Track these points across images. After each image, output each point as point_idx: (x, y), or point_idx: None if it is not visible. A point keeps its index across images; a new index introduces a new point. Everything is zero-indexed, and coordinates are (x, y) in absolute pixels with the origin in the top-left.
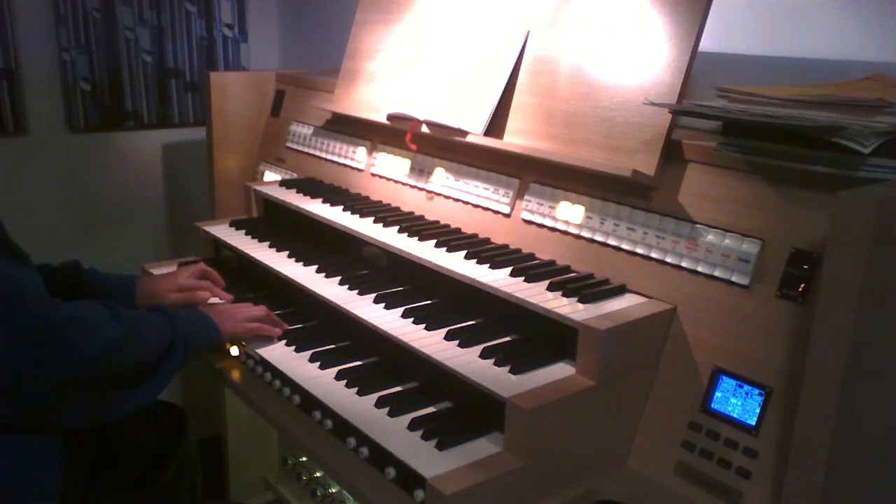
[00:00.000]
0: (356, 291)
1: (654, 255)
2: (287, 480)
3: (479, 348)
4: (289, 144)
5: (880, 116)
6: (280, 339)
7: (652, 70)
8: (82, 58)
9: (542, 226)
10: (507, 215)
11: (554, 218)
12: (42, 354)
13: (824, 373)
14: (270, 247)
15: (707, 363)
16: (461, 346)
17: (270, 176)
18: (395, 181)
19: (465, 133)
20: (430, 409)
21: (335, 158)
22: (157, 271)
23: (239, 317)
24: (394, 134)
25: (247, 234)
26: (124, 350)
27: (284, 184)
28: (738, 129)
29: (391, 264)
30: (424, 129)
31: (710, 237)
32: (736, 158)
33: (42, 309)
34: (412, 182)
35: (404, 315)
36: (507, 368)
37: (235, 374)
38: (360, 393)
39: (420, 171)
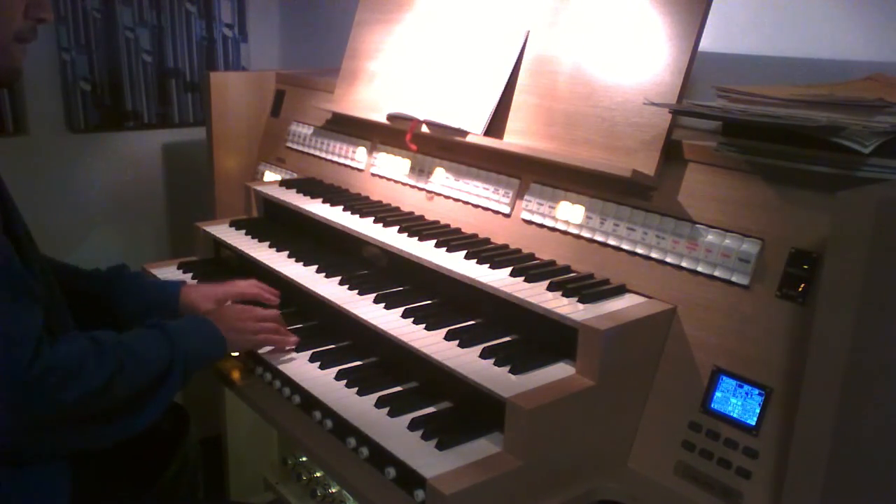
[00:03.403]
0: (356, 291)
1: (654, 255)
2: (287, 480)
3: (479, 348)
4: (289, 144)
5: (880, 116)
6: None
7: (652, 70)
8: (82, 58)
9: (542, 226)
10: (507, 215)
11: (554, 218)
12: (16, 403)
13: (824, 373)
14: (270, 247)
15: (707, 363)
16: (461, 346)
17: (270, 176)
18: (395, 181)
19: (465, 133)
20: (430, 409)
21: (335, 158)
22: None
23: (249, 326)
24: (394, 134)
25: (247, 234)
26: (110, 389)
27: (284, 184)
28: (738, 129)
29: (391, 264)
30: (424, 129)
31: (710, 237)
32: (736, 158)
33: (19, 360)
34: (412, 182)
35: (404, 315)
36: (507, 368)
37: (235, 374)
38: (360, 393)
39: (420, 171)
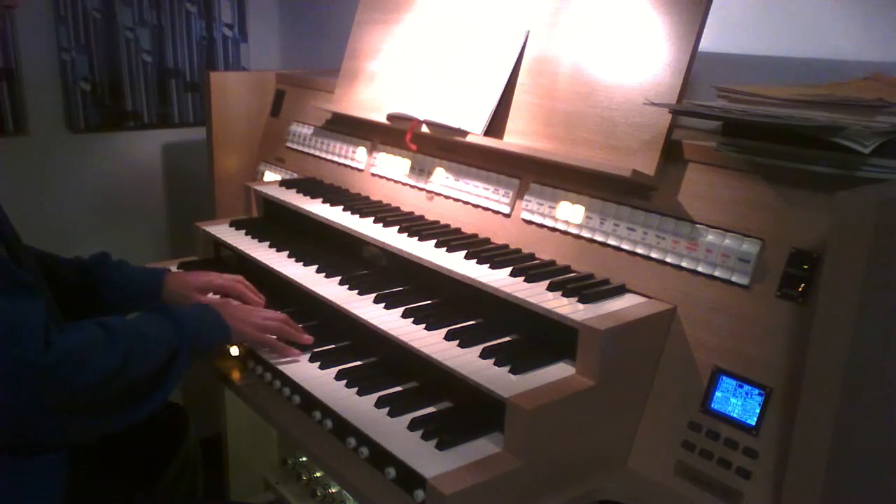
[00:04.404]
0: (356, 291)
1: (654, 255)
2: (287, 480)
3: (479, 348)
4: (289, 144)
5: (880, 116)
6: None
7: (652, 70)
8: (82, 58)
9: (542, 226)
10: (507, 215)
11: (554, 218)
12: (29, 393)
13: (824, 373)
14: (270, 247)
15: (707, 363)
16: (461, 346)
17: (270, 176)
18: (395, 181)
19: (465, 133)
20: (430, 409)
21: (335, 158)
22: None
23: (253, 321)
24: (394, 134)
25: (247, 234)
26: (121, 374)
27: (284, 184)
28: (738, 129)
29: (391, 264)
30: (424, 129)
31: (710, 237)
32: (736, 158)
33: (31, 349)
34: (412, 182)
35: (404, 315)
36: (507, 368)
37: (235, 374)
38: (360, 393)
39: (420, 171)
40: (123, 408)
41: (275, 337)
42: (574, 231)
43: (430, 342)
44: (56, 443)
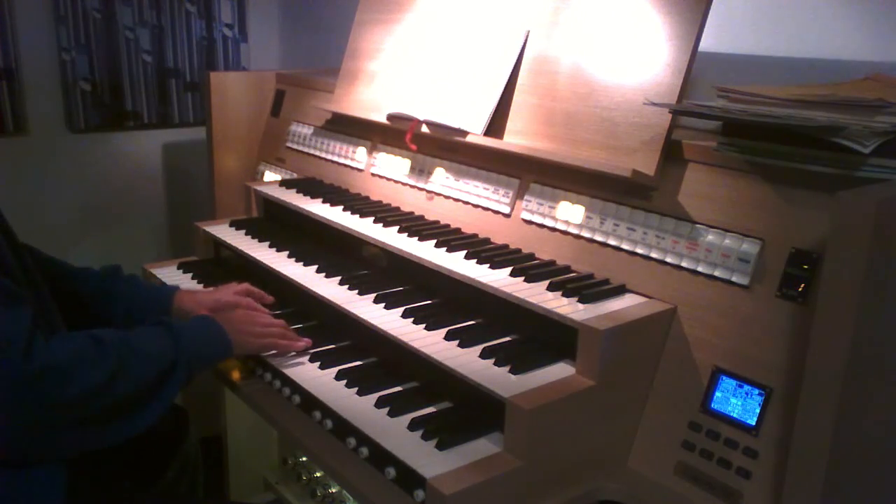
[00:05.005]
0: (356, 291)
1: (654, 255)
2: (287, 480)
3: (479, 348)
4: (289, 144)
5: (880, 116)
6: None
7: (652, 70)
8: (82, 58)
9: (542, 226)
10: (507, 215)
11: (554, 218)
12: (13, 405)
13: (824, 373)
14: (270, 247)
15: (707, 363)
16: (461, 346)
17: (270, 176)
18: (395, 181)
19: (465, 133)
20: (430, 409)
21: (335, 158)
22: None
23: (256, 330)
24: (394, 134)
25: (247, 234)
26: (111, 387)
27: (284, 184)
28: (737, 129)
29: (391, 264)
30: (424, 129)
31: (710, 237)
32: (736, 158)
33: (10, 361)
34: (412, 182)
35: (404, 315)
36: (507, 368)
37: (235, 374)
38: (360, 393)
39: (420, 171)
40: (116, 422)
41: (274, 340)
42: (574, 231)
43: (430, 342)
44: (47, 456)
